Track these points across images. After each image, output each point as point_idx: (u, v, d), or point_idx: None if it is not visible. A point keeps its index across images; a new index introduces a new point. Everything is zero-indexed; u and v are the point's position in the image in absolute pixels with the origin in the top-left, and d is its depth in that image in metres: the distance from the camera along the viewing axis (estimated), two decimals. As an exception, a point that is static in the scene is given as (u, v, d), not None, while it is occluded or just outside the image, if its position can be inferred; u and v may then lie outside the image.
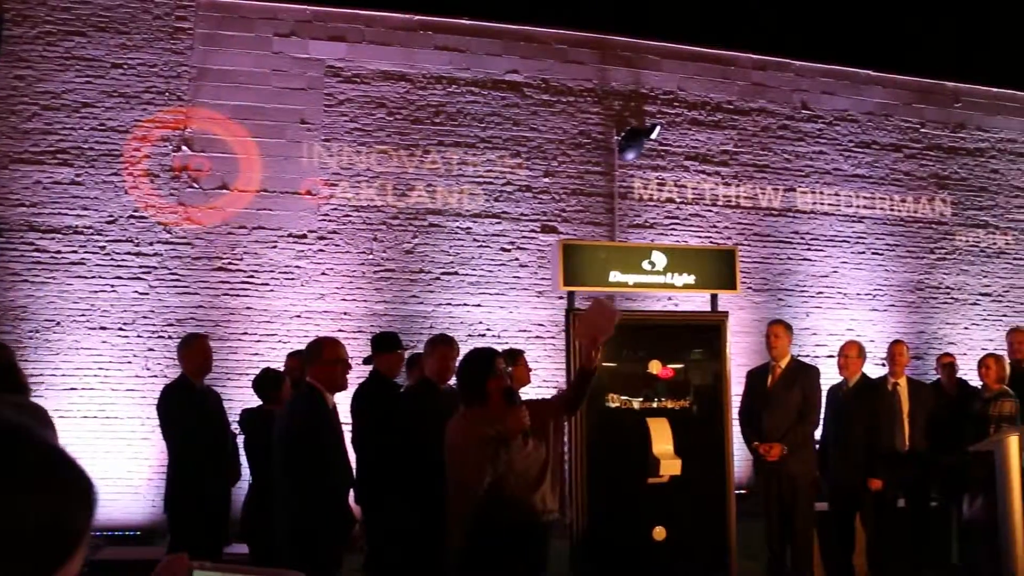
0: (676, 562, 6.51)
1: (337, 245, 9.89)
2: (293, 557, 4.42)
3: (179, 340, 6.66)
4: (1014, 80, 13.53)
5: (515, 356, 6.64)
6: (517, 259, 10.49)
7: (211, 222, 9.51)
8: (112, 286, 9.16)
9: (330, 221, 9.89)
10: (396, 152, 10.18)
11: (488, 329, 10.27)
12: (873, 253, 12.21)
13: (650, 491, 6.40)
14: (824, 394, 6.99)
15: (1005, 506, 5.40)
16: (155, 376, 8.99)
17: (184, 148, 9.52)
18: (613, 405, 6.59)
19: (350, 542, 4.78)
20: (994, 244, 12.99)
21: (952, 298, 12.62)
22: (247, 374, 8.92)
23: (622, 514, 6.46)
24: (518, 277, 10.48)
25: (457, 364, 4.71)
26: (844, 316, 11.86)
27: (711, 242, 11.09)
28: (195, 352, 6.32)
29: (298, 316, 9.64)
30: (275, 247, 9.67)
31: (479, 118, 10.54)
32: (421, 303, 10.09)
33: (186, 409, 6.06)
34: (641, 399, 6.64)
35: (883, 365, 7.73)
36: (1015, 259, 13.10)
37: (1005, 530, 5.38)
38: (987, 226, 12.98)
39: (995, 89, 13.36)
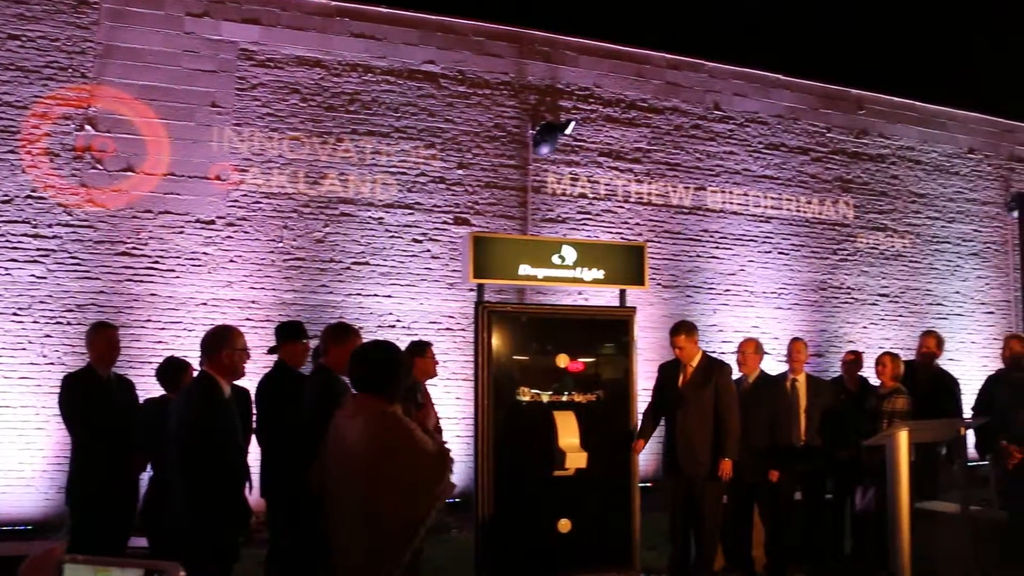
0: (581, 554, 6.58)
1: (246, 232, 9.71)
2: (189, 550, 4.33)
3: (81, 327, 6.46)
4: (914, 91, 14.03)
5: (423, 348, 6.63)
6: (429, 250, 10.46)
7: (115, 205, 9.24)
8: (6, 269, 8.83)
9: (239, 207, 9.70)
10: (309, 139, 10.04)
11: (398, 320, 10.22)
12: (779, 253, 12.51)
13: (556, 484, 6.45)
14: None
15: (893, 498, 5.59)
16: (52, 364, 8.71)
17: (87, 127, 9.22)
18: (524, 399, 6.61)
19: (248, 534, 4.71)
20: (892, 247, 13.44)
21: (852, 298, 13.02)
22: (150, 362, 8.68)
23: (528, 506, 6.49)
24: (429, 268, 10.44)
25: (378, 355, 4.22)
26: (750, 313, 12.13)
27: (622, 238, 11.22)
28: (101, 341, 6.15)
29: (204, 304, 9.44)
30: (182, 232, 9.45)
31: (394, 108, 10.46)
32: (331, 293, 9.98)
33: (91, 399, 5.89)
34: (551, 393, 6.68)
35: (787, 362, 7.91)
36: (912, 262, 13.58)
37: (892, 521, 5.58)
38: (886, 229, 13.43)
39: (896, 99, 13.81)
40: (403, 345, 6.81)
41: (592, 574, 6.62)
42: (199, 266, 9.47)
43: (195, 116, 9.58)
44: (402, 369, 3.79)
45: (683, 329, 6.79)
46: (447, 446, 3.73)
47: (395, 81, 10.49)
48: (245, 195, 9.73)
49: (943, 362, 11.47)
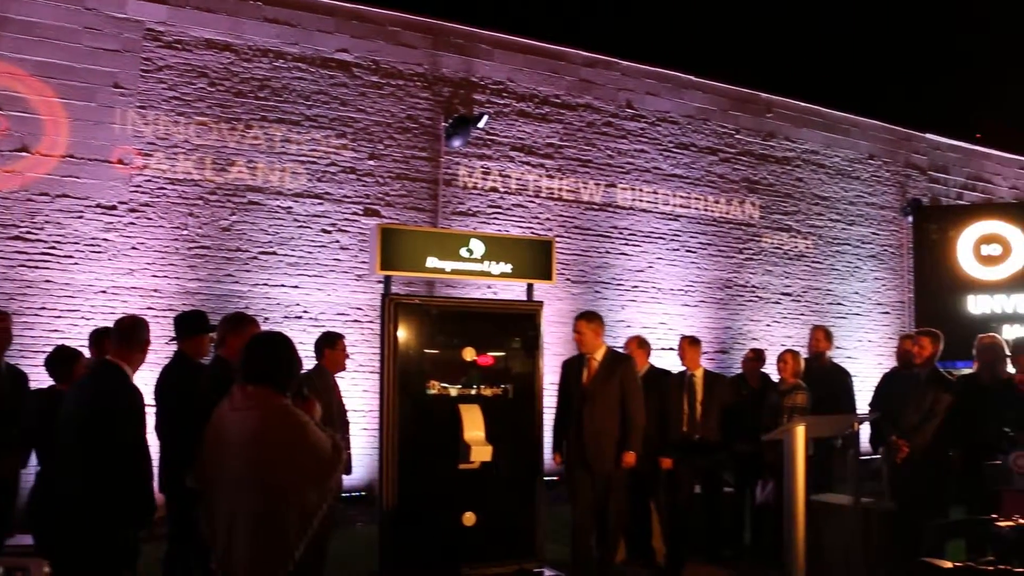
0: (485, 546, 6.60)
1: (149, 219, 9.45)
2: (84, 547, 4.20)
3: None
4: (820, 97, 14.43)
5: (333, 340, 6.56)
6: (338, 241, 10.34)
7: (8, 187, 8.89)
8: None
9: (143, 193, 9.44)
10: (216, 125, 9.82)
11: (305, 311, 10.08)
12: (686, 250, 12.72)
13: (461, 477, 6.45)
14: None
15: (790, 489, 5.74)
16: (-61, 349, 8.35)
17: (-20, 105, 8.86)
18: (431, 392, 6.60)
19: (149, 528, 4.59)
20: (796, 248, 13.79)
21: (757, 296, 13.32)
22: (44, 351, 8.36)
23: (433, 499, 6.48)
24: (338, 260, 10.32)
25: (273, 347, 3.98)
26: (657, 310, 12.31)
27: (532, 233, 11.26)
28: None
29: (104, 292, 9.15)
30: (81, 217, 9.15)
31: (305, 95, 10.31)
32: (237, 282, 9.79)
33: None
34: (459, 386, 6.68)
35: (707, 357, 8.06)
36: (814, 262, 13.96)
37: (788, 513, 5.72)
38: (790, 230, 13.77)
39: (803, 103, 14.17)
40: (312, 337, 6.75)
41: (496, 567, 6.64)
42: (99, 253, 9.18)
43: (96, 96, 9.27)
44: (296, 362, 3.70)
45: (585, 316, 6.80)
46: (340, 440, 3.66)
47: (307, 68, 10.33)
48: (149, 180, 9.47)
49: (842, 359, 11.86)
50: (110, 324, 5.12)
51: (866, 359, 13.98)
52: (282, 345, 3.69)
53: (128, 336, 4.62)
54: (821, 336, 8.42)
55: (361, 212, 10.48)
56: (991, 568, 2.46)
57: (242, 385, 3.58)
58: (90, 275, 9.10)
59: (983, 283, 10.94)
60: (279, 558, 3.34)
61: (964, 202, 15.58)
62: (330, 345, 6.55)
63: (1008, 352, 6.76)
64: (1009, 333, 9.55)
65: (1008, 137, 17.19)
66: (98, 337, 6.34)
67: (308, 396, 3.79)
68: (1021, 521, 2.80)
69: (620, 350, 7.41)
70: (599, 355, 6.73)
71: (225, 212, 9.79)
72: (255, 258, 9.90)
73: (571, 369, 6.88)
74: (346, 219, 10.41)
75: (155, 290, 9.36)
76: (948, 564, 2.49)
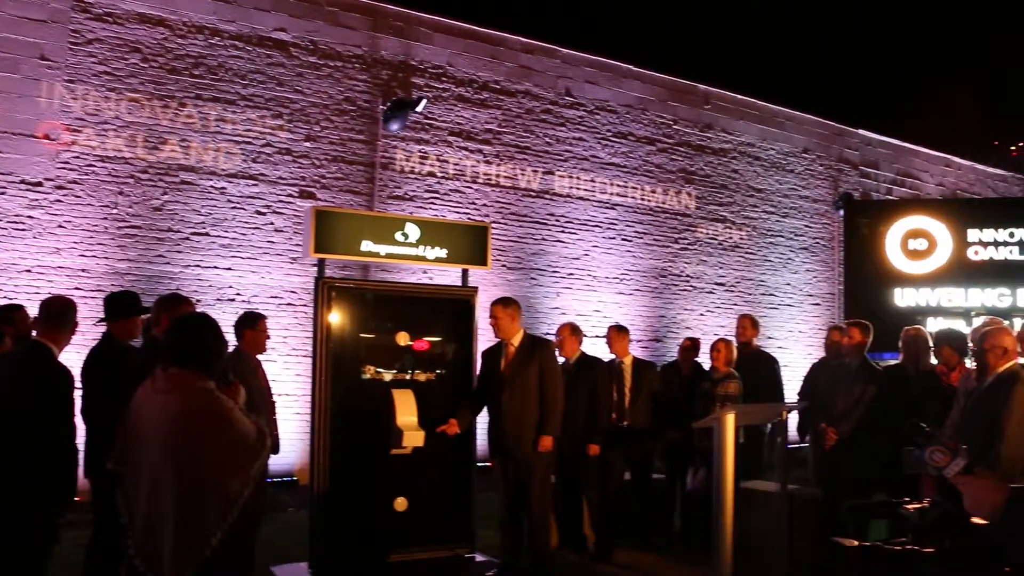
0: (417, 532, 6.57)
1: (78, 196, 9.21)
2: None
3: None
4: (757, 90, 14.62)
5: (254, 320, 6.46)
6: (272, 223, 10.19)
7: (-71, 160, 8.61)
8: None
9: (71, 170, 9.19)
10: (149, 102, 9.60)
11: (238, 294, 9.93)
12: (623, 239, 12.80)
13: (393, 462, 6.42)
14: None
15: (719, 477, 5.81)
16: None
17: (-100, 76, 8.54)
18: (366, 376, 6.55)
19: (64, 511, 4.50)
20: (730, 238, 13.97)
21: (691, 286, 13.47)
22: (-37, 330, 8.19)
23: (364, 484, 6.43)
24: (272, 242, 10.18)
25: (198, 329, 3.84)
26: (592, 298, 12.38)
27: (469, 218, 11.23)
28: None
29: (28, 271, 8.91)
30: (4, 194, 8.88)
31: (241, 74, 10.13)
32: (168, 263, 9.60)
33: None
34: (394, 371, 6.64)
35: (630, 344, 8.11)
36: (747, 253, 14.15)
37: (718, 499, 5.80)
38: (725, 221, 13.94)
39: (740, 96, 14.34)
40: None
41: (428, 552, 6.62)
42: (23, 230, 8.93)
43: (20, 68, 8.99)
44: (222, 344, 3.62)
45: (501, 301, 6.72)
46: (263, 426, 3.57)
47: (243, 47, 10.15)
48: (77, 157, 9.23)
49: (773, 349, 12.06)
50: (33, 304, 5.01)
51: (797, 349, 14.24)
52: (207, 327, 3.59)
53: (58, 317, 4.55)
54: (748, 324, 8.55)
55: (296, 194, 10.35)
56: (896, 548, 2.52)
57: (165, 367, 3.48)
58: (13, 253, 8.85)
59: (909, 277, 11.19)
60: (197, 543, 3.27)
61: (893, 197, 15.94)
62: (250, 326, 6.43)
63: (931, 344, 6.93)
64: (933, 326, 9.78)
65: (935, 136, 17.65)
66: (4, 314, 6.13)
67: (233, 381, 3.73)
68: (926, 504, 2.88)
69: (539, 335, 7.41)
70: (516, 340, 6.68)
71: (157, 191, 9.59)
72: (187, 239, 9.72)
73: (490, 357, 6.82)
74: (281, 201, 10.27)
75: (83, 270, 9.14)
76: (855, 543, 2.55)
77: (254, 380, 6.18)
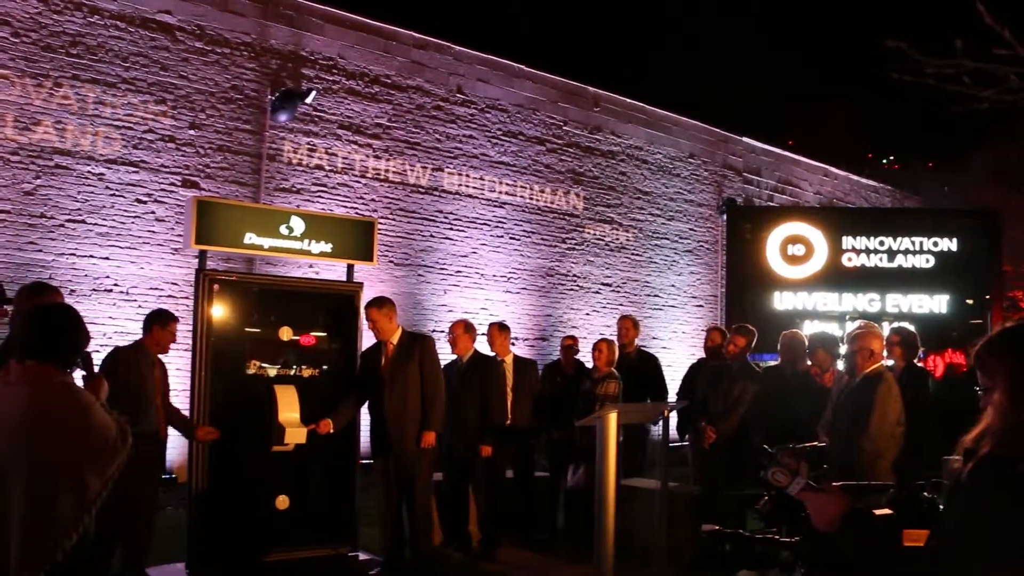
0: (299, 531, 6.46)
1: (-59, 178, 8.75)
2: None
3: None
4: (645, 94, 14.90)
5: (165, 319, 6.20)
6: (153, 212, 9.87)
7: None
8: None
9: (-66, 150, 8.72)
10: (21, 80, 9.16)
11: (116, 284, 9.58)
12: (511, 238, 12.86)
13: (275, 459, 6.30)
14: None
15: (601, 474, 5.90)
16: None
17: None
18: (250, 372, 6.40)
19: None
20: (617, 239, 14.19)
21: (578, 286, 13.63)
22: None
23: (245, 482, 6.30)
24: (153, 231, 9.85)
25: (53, 318, 3.64)
26: (480, 296, 12.40)
27: (357, 213, 11.11)
28: None
29: None
30: None
31: (123, 56, 9.76)
32: (40, 251, 9.19)
33: None
34: (278, 367, 6.51)
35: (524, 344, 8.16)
36: (634, 254, 14.40)
37: (600, 496, 5.89)
38: (612, 222, 14.15)
39: (629, 100, 14.58)
40: (123, 312, 6.42)
41: (310, 551, 6.53)
42: None
43: None
44: (80, 335, 3.43)
45: (375, 303, 6.62)
46: (126, 423, 3.39)
47: (125, 28, 9.79)
48: (-59, 137, 8.76)
49: (656, 349, 12.29)
50: None
51: (680, 349, 14.56)
52: (65, 318, 3.44)
53: None
54: (629, 325, 8.70)
55: (180, 183, 10.05)
56: (754, 535, 2.67)
57: (20, 359, 3.29)
58: None
59: (788, 281, 11.56)
60: (46, 543, 3.09)
61: (774, 204, 16.46)
62: (161, 323, 6.14)
63: (807, 347, 7.18)
64: (809, 329, 10.13)
65: (815, 146, 18.31)
66: None
67: (96, 375, 3.56)
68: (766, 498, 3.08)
69: (418, 331, 7.38)
70: (395, 339, 6.63)
71: (28, 175, 9.17)
72: (62, 226, 9.33)
73: (370, 357, 6.74)
74: (163, 190, 9.95)
75: (-55, 256, 8.68)
76: (715, 527, 2.67)
77: (139, 376, 5.92)
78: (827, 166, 18.32)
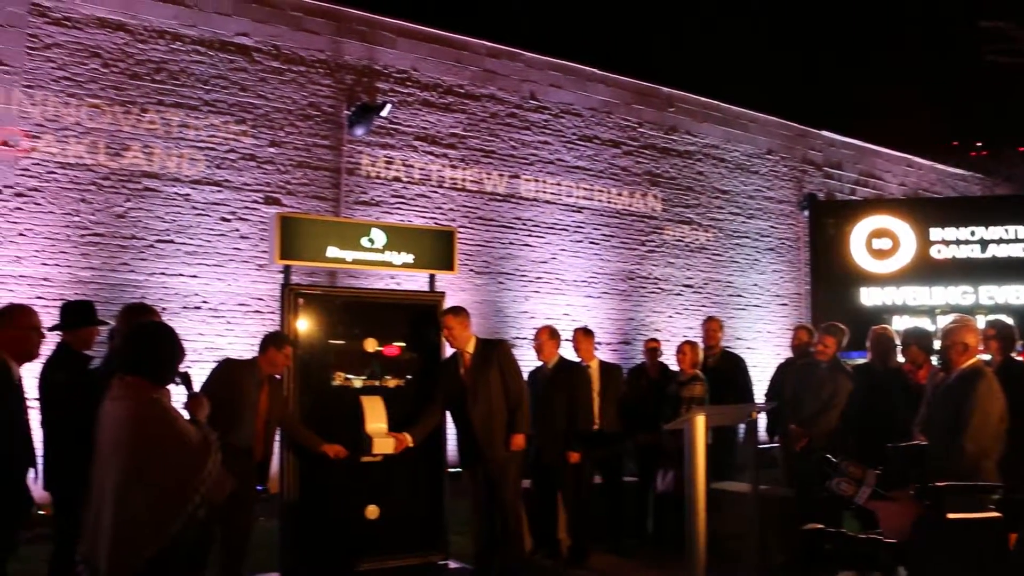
0: (389, 540, 6.52)
1: (39, 204, 9.07)
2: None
3: None
4: (719, 92, 14.71)
5: (282, 342, 6.09)
6: (238, 230, 10.09)
7: None
8: None
9: (31, 177, 9.05)
10: (110, 107, 9.47)
11: (204, 301, 9.81)
12: (590, 242, 12.81)
13: (364, 469, 6.37)
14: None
15: (691, 478, 5.82)
16: None
17: None
18: (336, 383, 6.49)
19: (24, 526, 4.40)
20: (697, 240, 14.03)
21: (659, 288, 13.51)
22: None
23: (335, 493, 6.38)
24: (238, 249, 10.07)
25: (150, 337, 3.91)
26: (560, 301, 12.37)
27: (435, 223, 11.19)
28: None
29: (-12, 280, 8.76)
30: (-38, 202, 8.73)
31: (204, 80, 10.02)
32: (132, 271, 9.47)
33: None
34: (364, 377, 6.58)
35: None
36: (714, 255, 14.23)
37: (690, 501, 5.80)
38: (691, 223, 14.00)
39: (704, 99, 14.42)
40: (212, 328, 6.55)
41: (400, 560, 6.57)
42: (-18, 239, 8.78)
43: (-22, 75, 8.85)
44: (174, 353, 3.64)
45: (451, 311, 6.67)
46: (212, 438, 3.58)
47: (205, 52, 10.05)
48: (37, 164, 9.09)
49: (741, 349, 12.11)
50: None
51: (765, 349, 14.32)
52: (161, 337, 3.65)
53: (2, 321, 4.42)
54: (715, 327, 8.58)
55: (261, 200, 10.26)
56: (860, 536, 2.60)
57: (121, 375, 3.54)
58: (-28, 263, 8.70)
59: (875, 276, 11.28)
60: (133, 549, 3.30)
61: (857, 197, 16.09)
62: (277, 345, 6.03)
63: (898, 342, 6.99)
64: (899, 324, 9.87)
65: (897, 136, 17.84)
66: None
67: (197, 394, 3.76)
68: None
69: (496, 338, 7.37)
70: (471, 347, 6.65)
71: (120, 198, 9.46)
72: (151, 246, 9.60)
73: (448, 367, 6.76)
74: (246, 207, 10.17)
75: (45, 279, 8.99)
76: (818, 526, 2.60)
77: (236, 390, 5.90)
78: (911, 156, 17.84)
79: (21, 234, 8.95)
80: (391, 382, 6.66)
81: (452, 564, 6.78)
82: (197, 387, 3.92)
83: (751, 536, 6.22)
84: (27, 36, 9.10)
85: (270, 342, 6.06)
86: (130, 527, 3.31)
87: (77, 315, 5.48)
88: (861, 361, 7.58)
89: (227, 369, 5.97)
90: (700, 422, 5.83)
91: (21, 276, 8.89)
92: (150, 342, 3.63)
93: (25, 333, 4.42)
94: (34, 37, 9.13)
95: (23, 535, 4.51)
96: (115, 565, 3.30)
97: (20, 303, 4.67)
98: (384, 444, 6.23)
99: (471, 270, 11.55)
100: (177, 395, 3.82)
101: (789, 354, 9.08)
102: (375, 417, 6.28)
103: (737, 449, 8.35)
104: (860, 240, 11.43)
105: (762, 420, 8.36)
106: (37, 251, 9.01)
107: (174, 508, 3.37)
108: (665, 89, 13.97)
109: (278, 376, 6.13)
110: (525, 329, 11.57)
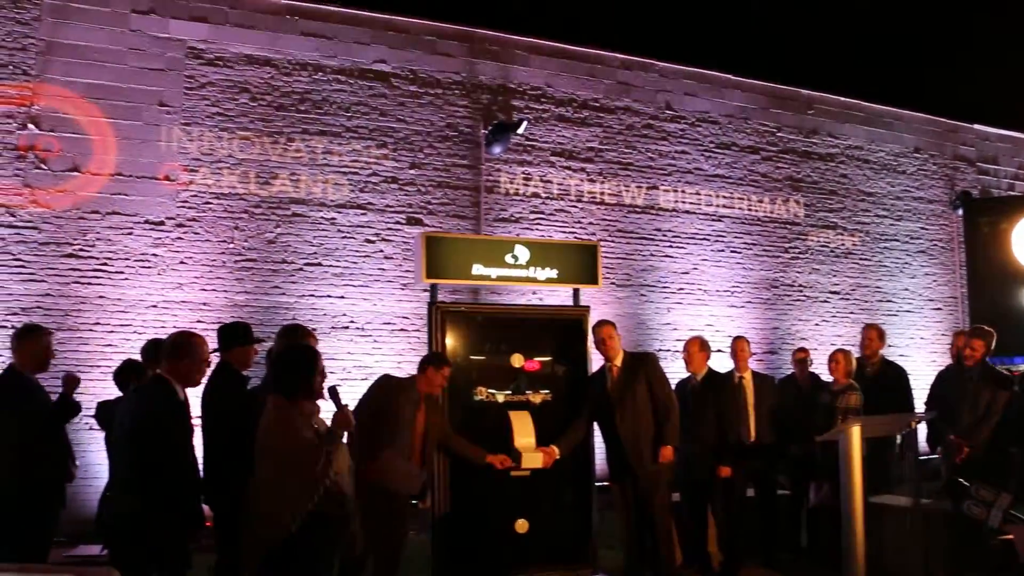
0: (538, 553, 6.57)
1: (196, 233, 9.56)
2: (137, 554, 4.26)
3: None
4: (861, 91, 14.22)
5: (440, 363, 6.15)
6: (382, 251, 10.37)
7: (60, 206, 9.04)
8: (-52, 272, 8.61)
9: (189, 208, 9.55)
10: (259, 139, 9.92)
11: (352, 321, 10.12)
12: (731, 251, 12.60)
13: (513, 483, 6.43)
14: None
15: (847, 492, 5.65)
16: (-5, 368, 8.49)
17: (30, 126, 9.01)
18: (479, 398, 6.59)
19: (197, 540, 4.63)
20: (843, 245, 13.60)
21: (804, 296, 13.15)
22: (99, 366, 8.56)
23: (484, 506, 6.47)
24: (383, 269, 10.36)
25: (282, 358, 4.72)
26: (703, 312, 12.20)
27: (575, 237, 11.22)
28: (35, 345, 6.01)
29: (154, 306, 9.27)
30: (130, 234, 9.27)
31: (345, 107, 10.37)
32: (284, 294, 9.86)
33: (14, 403, 5.74)
34: (507, 392, 6.66)
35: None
36: (861, 259, 13.75)
37: (847, 515, 5.63)
38: (836, 227, 13.58)
39: (844, 99, 13.99)
40: (360, 347, 6.73)
41: (550, 573, 6.61)
42: (148, 268, 9.30)
43: (142, 115, 9.41)
44: (309, 371, 4.26)
45: (609, 323, 6.78)
46: (329, 448, 4.19)
47: (346, 80, 10.40)
48: (195, 196, 9.59)
49: (894, 357, 11.67)
50: (162, 337, 5.18)
51: (919, 357, 13.73)
52: (289, 360, 4.43)
53: (173, 351, 4.66)
54: (874, 335, 8.23)
55: (404, 221, 10.52)
56: None
57: (273, 391, 4.35)
58: (140, 290, 9.23)
59: (1038, 276, 10.69)
60: (255, 537, 4.20)
61: (1016, 193, 15.28)
62: (435, 366, 6.12)
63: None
64: (1066, 326, 9.34)
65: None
66: (149, 349, 6.41)
67: (343, 409, 4.28)
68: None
69: (642, 350, 7.33)
70: (619, 360, 6.67)
71: (270, 225, 9.88)
72: (301, 269, 9.98)
73: (596, 382, 6.81)
74: (389, 228, 10.45)
75: (204, 303, 9.46)
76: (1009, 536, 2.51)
77: (390, 406, 5.97)
78: (1074, 147, 16.84)
79: (182, 262, 9.45)
80: (536, 397, 6.72)
81: (603, 577, 6.78)
82: (351, 402, 4.37)
83: (912, 552, 5.98)
84: (184, 78, 9.62)
85: (429, 362, 6.13)
86: (257, 517, 4.19)
87: (234, 336, 5.74)
88: (1025, 367, 7.21)
89: (384, 386, 6.11)
90: (856, 433, 5.66)
91: (183, 302, 9.38)
92: (281, 365, 4.46)
93: (199, 366, 4.68)
94: (190, 78, 9.65)
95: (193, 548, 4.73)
96: (249, 547, 4.23)
97: (198, 335, 4.88)
98: (533, 459, 6.29)
99: (612, 283, 11.53)
100: (327, 409, 4.27)
101: (946, 360, 8.70)
102: (523, 432, 6.35)
103: (894, 461, 8.04)
104: (1021, 238, 10.85)
105: (922, 431, 8.03)
106: (196, 277, 9.49)
107: (291, 503, 4.08)
108: (803, 91, 13.63)
109: (435, 396, 6.19)
110: (668, 341, 11.47)
